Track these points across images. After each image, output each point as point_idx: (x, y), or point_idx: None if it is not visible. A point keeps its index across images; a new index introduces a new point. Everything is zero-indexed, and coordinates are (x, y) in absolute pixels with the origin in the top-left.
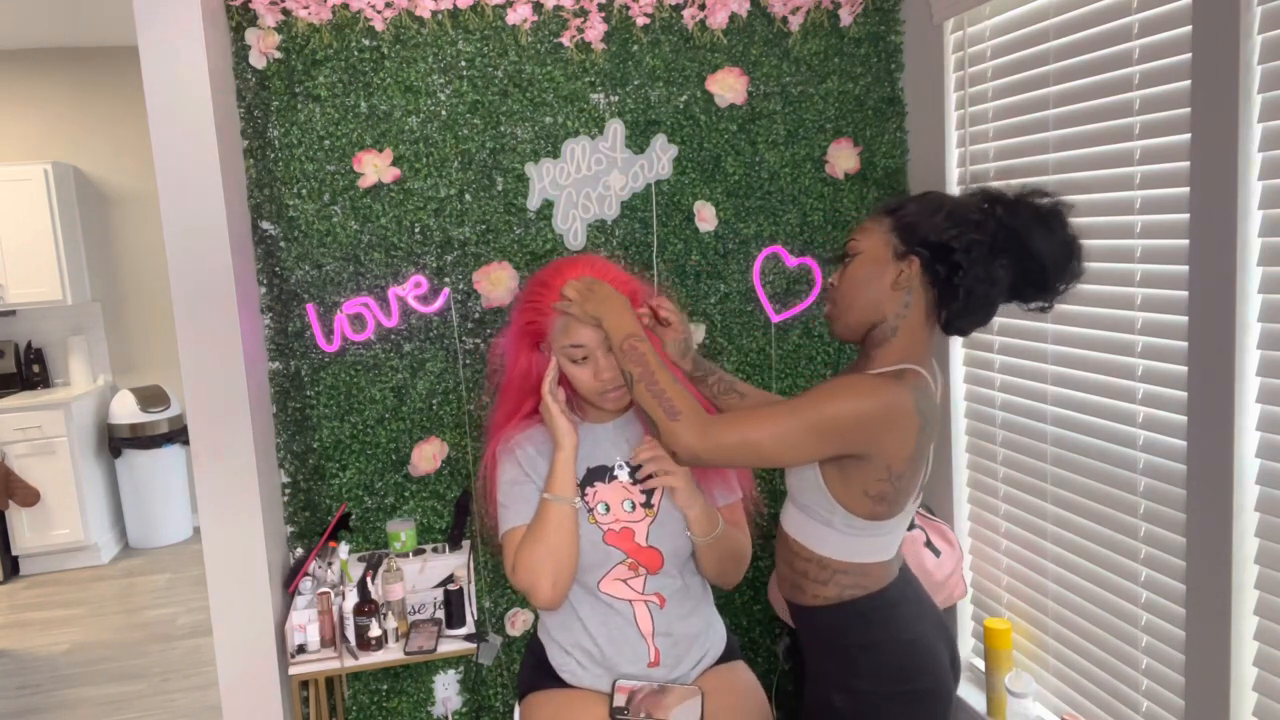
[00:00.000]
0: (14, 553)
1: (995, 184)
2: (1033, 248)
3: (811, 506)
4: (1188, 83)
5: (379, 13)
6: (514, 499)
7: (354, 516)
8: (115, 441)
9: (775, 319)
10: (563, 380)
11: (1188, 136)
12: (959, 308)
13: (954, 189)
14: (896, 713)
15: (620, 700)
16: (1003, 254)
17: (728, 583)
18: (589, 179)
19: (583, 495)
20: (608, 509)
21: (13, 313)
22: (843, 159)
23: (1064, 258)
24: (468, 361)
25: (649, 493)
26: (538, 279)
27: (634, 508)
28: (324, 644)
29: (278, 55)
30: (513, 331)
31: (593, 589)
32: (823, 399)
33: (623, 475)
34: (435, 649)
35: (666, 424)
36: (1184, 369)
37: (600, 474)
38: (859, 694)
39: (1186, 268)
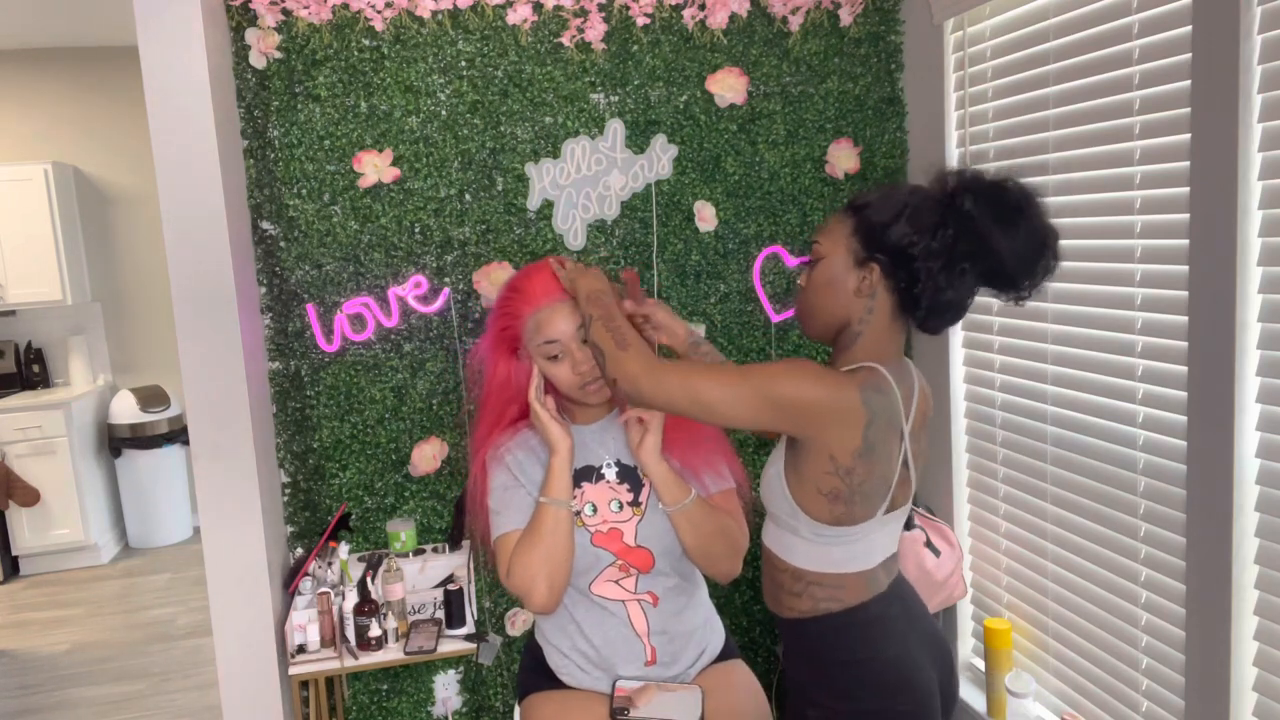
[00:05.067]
0: (14, 553)
1: (975, 167)
2: (994, 246)
3: (779, 515)
4: (1188, 83)
5: (379, 13)
6: (506, 504)
7: (354, 516)
8: (115, 441)
9: (775, 319)
10: (547, 387)
11: (1188, 136)
12: (923, 312)
13: None
14: None
15: (620, 700)
16: (965, 258)
17: (718, 570)
18: (589, 179)
19: None
20: (595, 510)
21: (13, 313)
22: (843, 159)
23: (1031, 255)
24: (468, 361)
25: (636, 490)
26: (509, 285)
27: (621, 507)
28: (324, 644)
29: (278, 55)
30: (489, 340)
31: (585, 592)
32: (775, 372)
33: (610, 474)
34: (435, 649)
35: (615, 352)
36: (1184, 369)
37: (587, 474)
38: (834, 711)
39: (1186, 268)
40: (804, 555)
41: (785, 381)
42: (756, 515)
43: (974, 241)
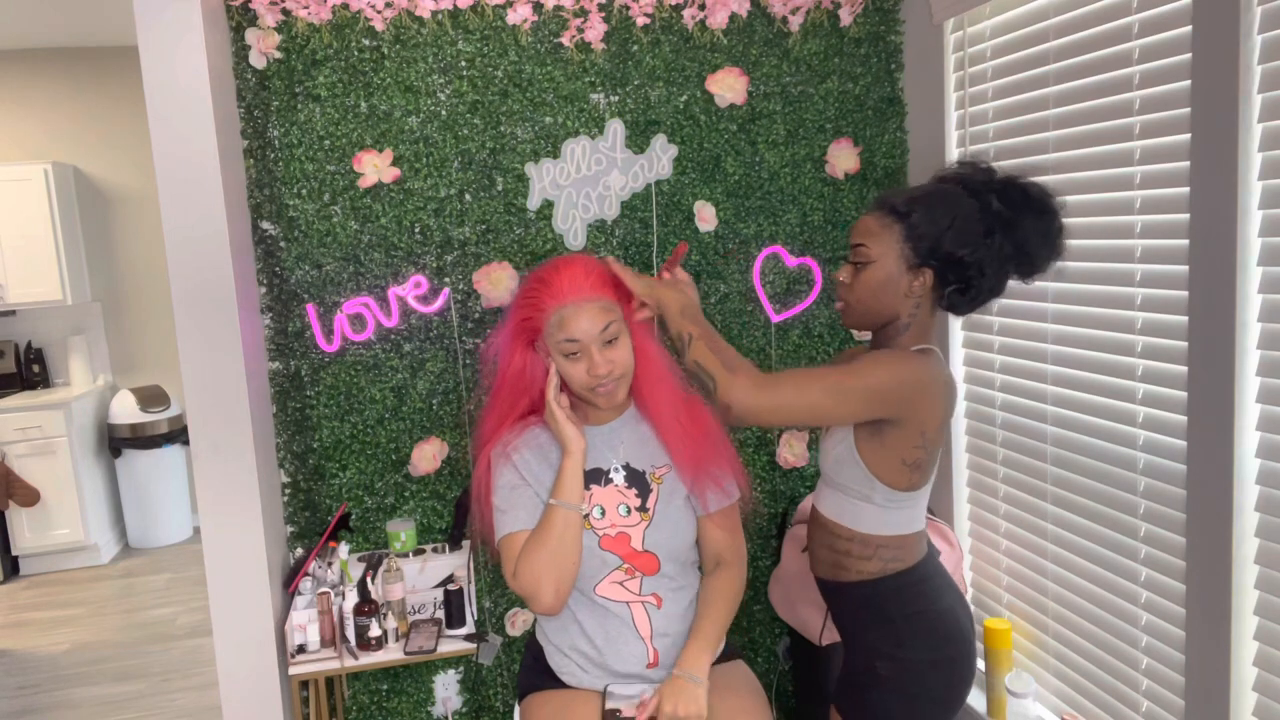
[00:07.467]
0: (14, 553)
1: (977, 163)
2: (1033, 247)
3: (849, 485)
4: (1188, 83)
5: (379, 13)
6: (512, 504)
7: (354, 516)
8: (115, 441)
9: (775, 319)
10: (562, 385)
11: (1188, 136)
12: (967, 304)
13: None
14: (937, 677)
15: (611, 704)
16: (1010, 260)
17: None
18: (589, 179)
19: None
20: (603, 513)
21: (13, 313)
22: (843, 159)
23: (1054, 244)
24: (468, 361)
25: (644, 496)
26: (535, 276)
27: (629, 512)
28: (324, 644)
29: (278, 55)
30: (508, 330)
31: (589, 593)
32: (871, 367)
33: (618, 478)
34: (435, 649)
35: (726, 377)
36: (1184, 369)
37: (595, 477)
38: (902, 661)
39: (1186, 268)
40: (873, 521)
41: (882, 373)
42: (758, 522)
43: (1018, 243)
